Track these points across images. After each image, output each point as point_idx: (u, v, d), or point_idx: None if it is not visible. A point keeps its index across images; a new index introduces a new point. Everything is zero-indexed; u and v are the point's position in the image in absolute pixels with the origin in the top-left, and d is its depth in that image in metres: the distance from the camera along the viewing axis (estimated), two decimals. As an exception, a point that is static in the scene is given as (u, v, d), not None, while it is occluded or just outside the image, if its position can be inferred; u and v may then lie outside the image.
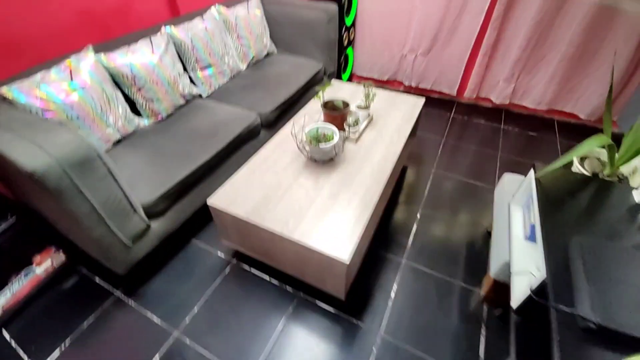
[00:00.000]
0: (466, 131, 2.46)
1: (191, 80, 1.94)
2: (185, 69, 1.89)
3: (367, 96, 1.63)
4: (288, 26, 2.37)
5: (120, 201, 1.13)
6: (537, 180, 1.11)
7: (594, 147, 1.09)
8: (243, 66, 2.23)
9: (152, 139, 1.57)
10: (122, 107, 1.55)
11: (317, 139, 1.35)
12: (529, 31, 2.25)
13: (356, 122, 1.54)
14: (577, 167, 1.22)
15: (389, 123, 1.67)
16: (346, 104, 1.54)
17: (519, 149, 2.28)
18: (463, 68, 2.59)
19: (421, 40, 2.59)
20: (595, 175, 1.31)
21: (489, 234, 1.62)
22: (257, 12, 2.26)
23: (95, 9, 1.71)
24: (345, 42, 2.66)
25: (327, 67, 2.47)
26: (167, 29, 1.76)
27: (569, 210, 1.05)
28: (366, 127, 1.64)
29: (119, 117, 1.53)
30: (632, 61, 2.12)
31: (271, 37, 2.44)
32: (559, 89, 2.42)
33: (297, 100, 2.15)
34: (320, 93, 1.52)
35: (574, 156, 1.08)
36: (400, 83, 2.94)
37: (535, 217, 1.04)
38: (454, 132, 2.44)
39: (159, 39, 1.71)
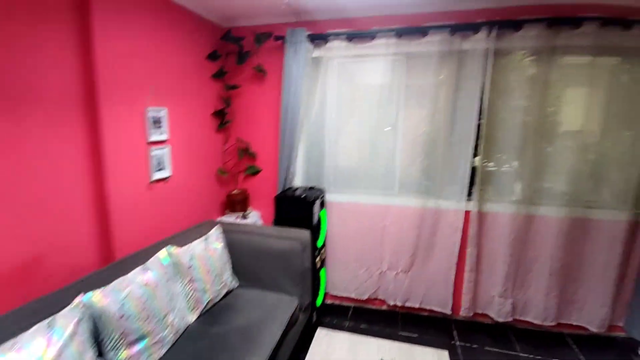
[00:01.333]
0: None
1: (108, 365, 1.25)
2: (100, 353, 1.24)
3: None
4: (254, 257, 2.02)
5: None
6: None
7: None
8: (193, 317, 1.65)
9: None
10: None
11: None
12: (507, 247, 2.19)
13: None
14: None
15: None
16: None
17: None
18: (452, 284, 2.34)
19: (399, 257, 2.40)
20: None
21: None
22: (217, 245, 1.91)
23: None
24: (318, 265, 2.34)
25: (302, 300, 2.01)
26: (84, 299, 1.22)
27: None
28: None
29: None
30: (621, 266, 2.07)
31: (233, 268, 2.02)
32: (559, 302, 2.19)
33: (270, 364, 1.51)
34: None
35: None
36: (383, 301, 2.53)
37: None
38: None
39: (66, 317, 1.13)
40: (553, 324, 2.23)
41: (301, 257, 1.99)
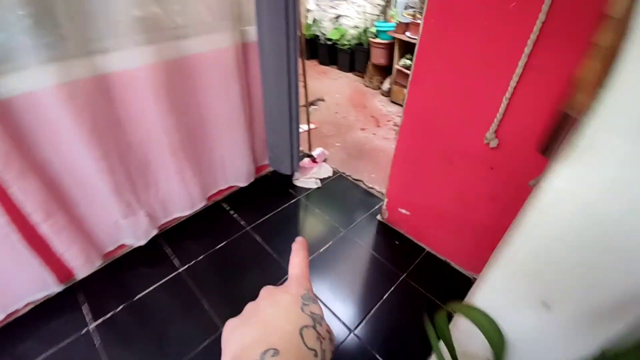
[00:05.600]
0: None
1: None
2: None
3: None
4: None
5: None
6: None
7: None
8: None
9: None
10: None
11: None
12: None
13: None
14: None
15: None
16: None
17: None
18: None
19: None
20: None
21: None
22: None
23: None
24: None
25: None
26: None
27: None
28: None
29: None
30: (245, 106, 1.60)
31: None
32: (198, 179, 1.62)
33: None
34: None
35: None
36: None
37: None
38: None
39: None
40: (204, 203, 1.74)
41: None
